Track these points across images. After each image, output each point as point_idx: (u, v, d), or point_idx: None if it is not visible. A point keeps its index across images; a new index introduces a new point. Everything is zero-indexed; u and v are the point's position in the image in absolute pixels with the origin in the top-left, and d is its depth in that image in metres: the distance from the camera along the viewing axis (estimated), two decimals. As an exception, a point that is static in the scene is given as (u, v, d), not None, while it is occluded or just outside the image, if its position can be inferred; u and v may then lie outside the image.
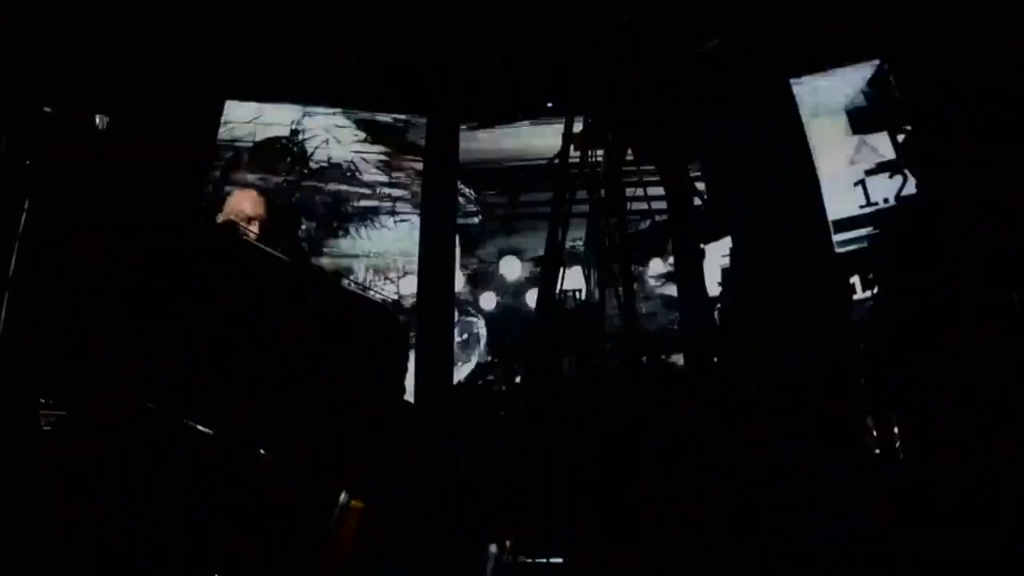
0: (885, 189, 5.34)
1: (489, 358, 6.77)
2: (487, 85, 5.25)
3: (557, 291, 4.36)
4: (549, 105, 5.32)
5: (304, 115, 6.03)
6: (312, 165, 6.20)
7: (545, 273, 4.41)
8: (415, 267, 5.65)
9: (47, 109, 3.03)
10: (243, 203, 2.75)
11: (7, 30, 3.60)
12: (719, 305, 4.59)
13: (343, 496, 2.40)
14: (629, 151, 4.57)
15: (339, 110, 5.91)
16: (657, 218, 5.12)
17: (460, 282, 6.53)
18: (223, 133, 5.45)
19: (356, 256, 6.24)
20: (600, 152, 4.51)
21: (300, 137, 6.09)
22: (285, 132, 6.03)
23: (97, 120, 3.13)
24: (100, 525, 2.33)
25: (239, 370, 2.37)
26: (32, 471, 2.52)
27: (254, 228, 2.70)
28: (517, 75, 5.12)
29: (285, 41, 4.84)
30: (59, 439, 2.64)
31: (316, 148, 6.13)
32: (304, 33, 4.83)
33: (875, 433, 3.58)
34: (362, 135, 6.16)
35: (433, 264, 5.37)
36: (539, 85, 5.23)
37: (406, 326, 2.80)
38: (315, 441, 2.41)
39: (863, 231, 5.07)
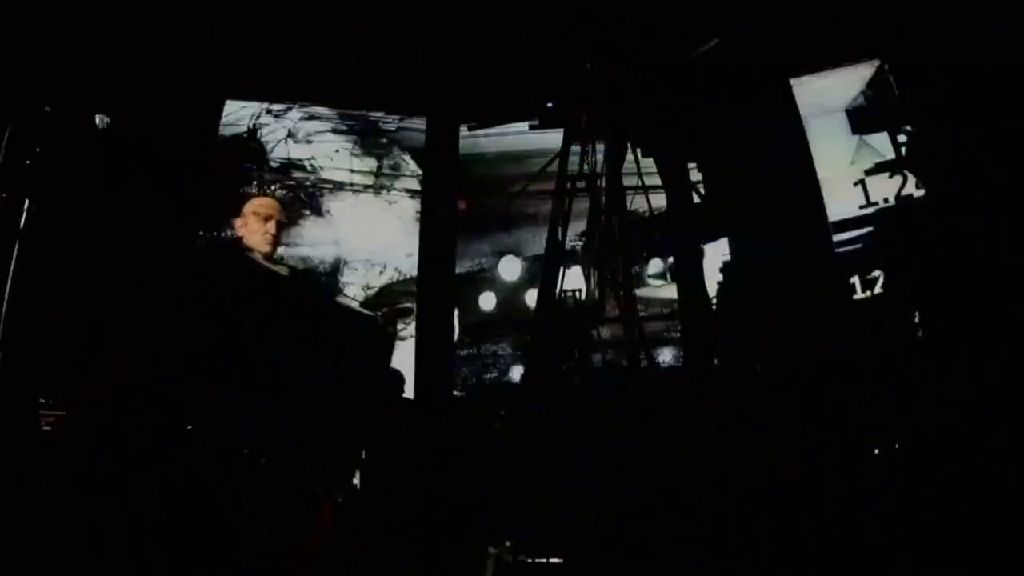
0: (885, 189, 5.34)
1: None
2: (487, 85, 5.25)
3: (557, 291, 4.36)
4: (549, 105, 5.32)
5: (264, 112, 6.12)
6: (272, 163, 6.35)
7: (545, 273, 4.41)
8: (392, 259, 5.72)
9: (47, 109, 3.03)
10: (261, 207, 2.91)
11: (8, 30, 3.60)
12: (717, 304, 4.58)
13: (320, 489, 2.48)
14: (629, 150, 4.57)
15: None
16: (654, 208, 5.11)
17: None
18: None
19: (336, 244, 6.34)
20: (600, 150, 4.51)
21: (259, 135, 6.20)
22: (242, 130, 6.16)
23: (97, 120, 3.13)
24: (96, 524, 2.35)
25: (234, 375, 2.43)
26: (32, 471, 2.53)
27: (271, 228, 2.84)
28: (517, 75, 5.12)
29: (285, 41, 4.84)
30: (59, 439, 2.64)
31: (275, 145, 6.25)
32: (304, 33, 4.83)
33: (874, 433, 3.58)
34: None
35: (433, 263, 5.36)
36: (539, 85, 5.24)
37: (391, 337, 2.98)
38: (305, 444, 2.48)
39: (863, 231, 5.08)
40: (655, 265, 6.76)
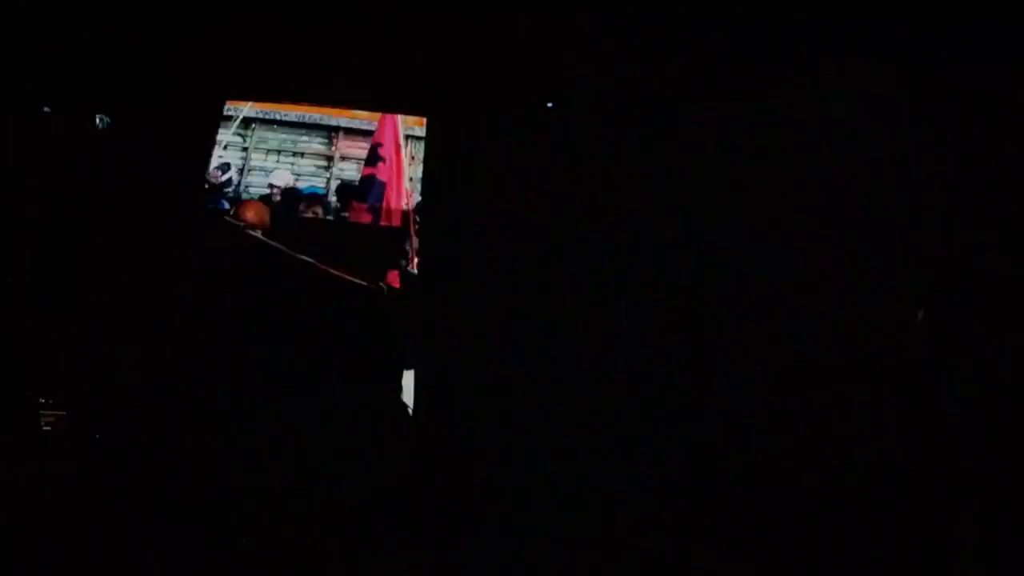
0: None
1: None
2: (487, 85, 5.25)
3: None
4: (549, 105, 5.31)
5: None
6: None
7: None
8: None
9: (47, 109, 3.04)
10: (247, 212, 2.99)
11: (8, 30, 3.61)
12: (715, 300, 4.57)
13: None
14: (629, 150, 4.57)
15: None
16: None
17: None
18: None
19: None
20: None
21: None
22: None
23: (97, 120, 3.14)
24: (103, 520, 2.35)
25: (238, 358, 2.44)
26: (32, 471, 2.53)
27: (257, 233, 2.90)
28: (517, 75, 5.11)
29: (285, 40, 4.83)
30: (59, 439, 2.65)
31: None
32: (303, 32, 4.83)
33: (874, 435, 3.57)
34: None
35: (434, 263, 5.35)
36: (539, 84, 5.23)
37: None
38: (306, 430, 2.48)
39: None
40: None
